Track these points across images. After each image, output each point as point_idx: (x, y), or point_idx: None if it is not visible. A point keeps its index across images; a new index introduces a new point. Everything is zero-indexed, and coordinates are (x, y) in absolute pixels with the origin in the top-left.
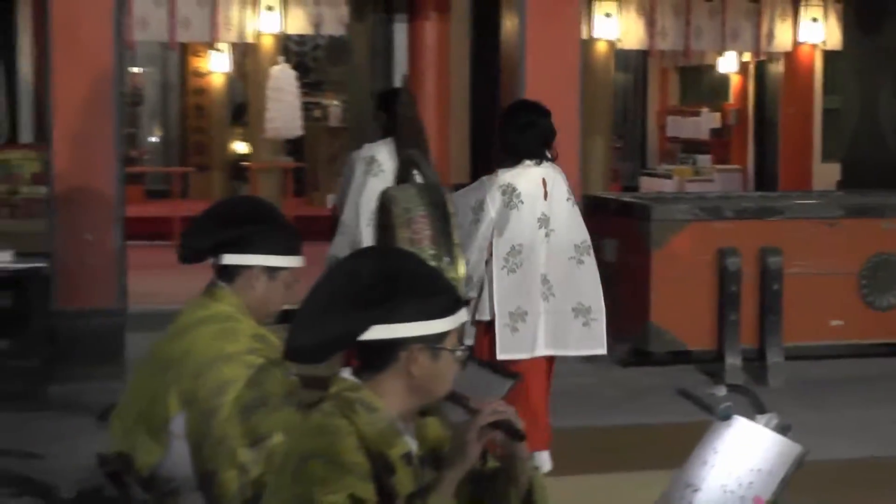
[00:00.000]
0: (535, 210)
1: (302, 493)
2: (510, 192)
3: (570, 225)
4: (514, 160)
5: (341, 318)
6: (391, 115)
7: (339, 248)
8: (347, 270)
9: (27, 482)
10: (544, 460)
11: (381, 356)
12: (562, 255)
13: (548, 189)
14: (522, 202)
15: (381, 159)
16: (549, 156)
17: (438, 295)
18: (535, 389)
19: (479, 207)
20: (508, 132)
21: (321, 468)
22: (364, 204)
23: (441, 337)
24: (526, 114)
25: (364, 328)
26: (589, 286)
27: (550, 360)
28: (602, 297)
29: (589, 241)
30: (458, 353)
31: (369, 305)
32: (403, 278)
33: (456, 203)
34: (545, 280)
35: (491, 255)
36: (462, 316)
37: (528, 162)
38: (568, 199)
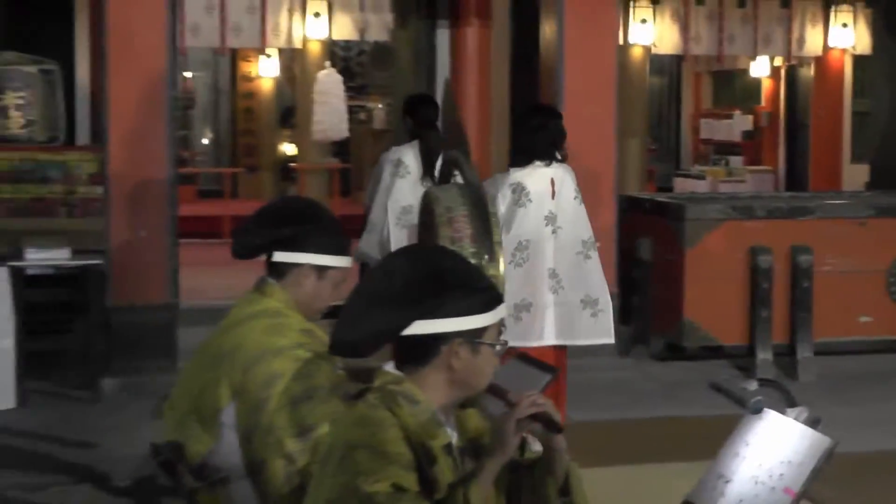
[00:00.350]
0: (543, 208)
1: (346, 482)
2: (519, 191)
3: (577, 222)
4: (525, 160)
5: (385, 313)
6: (417, 119)
7: (368, 245)
8: (391, 268)
9: (84, 470)
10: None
11: (423, 350)
12: (569, 250)
13: (556, 188)
14: (531, 200)
15: (408, 161)
16: (559, 156)
17: (479, 291)
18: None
19: (491, 203)
20: (520, 134)
21: (365, 458)
22: (391, 204)
23: (481, 332)
24: (537, 116)
25: (407, 323)
26: (596, 279)
27: (562, 349)
28: (608, 290)
29: (594, 237)
30: (498, 348)
31: (412, 302)
32: (445, 275)
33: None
34: (554, 274)
35: None
36: (501, 311)
37: (538, 162)
38: (575, 198)
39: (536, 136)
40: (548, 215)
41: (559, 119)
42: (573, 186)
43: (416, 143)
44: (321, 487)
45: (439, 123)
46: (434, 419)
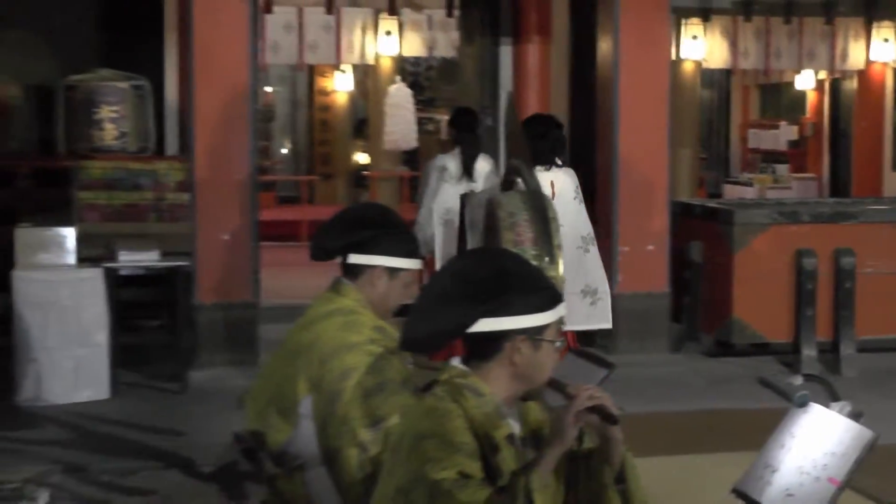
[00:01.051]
0: None
1: (415, 470)
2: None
3: (577, 219)
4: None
5: (452, 312)
6: (457, 127)
7: None
8: (458, 269)
9: (171, 457)
10: None
11: (487, 347)
12: (569, 245)
13: (556, 190)
14: None
15: (451, 167)
16: (559, 162)
17: (540, 291)
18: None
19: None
20: (530, 140)
21: (433, 447)
22: (436, 205)
23: (542, 329)
24: (538, 126)
25: (473, 321)
26: (595, 271)
27: (572, 333)
28: (606, 280)
29: (593, 233)
30: (558, 344)
31: (478, 301)
32: (508, 276)
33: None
34: None
35: None
36: (561, 310)
37: (539, 167)
38: (575, 198)
39: (537, 144)
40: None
41: (559, 129)
42: (573, 188)
43: (458, 152)
44: (392, 474)
45: (500, 135)
46: (498, 411)
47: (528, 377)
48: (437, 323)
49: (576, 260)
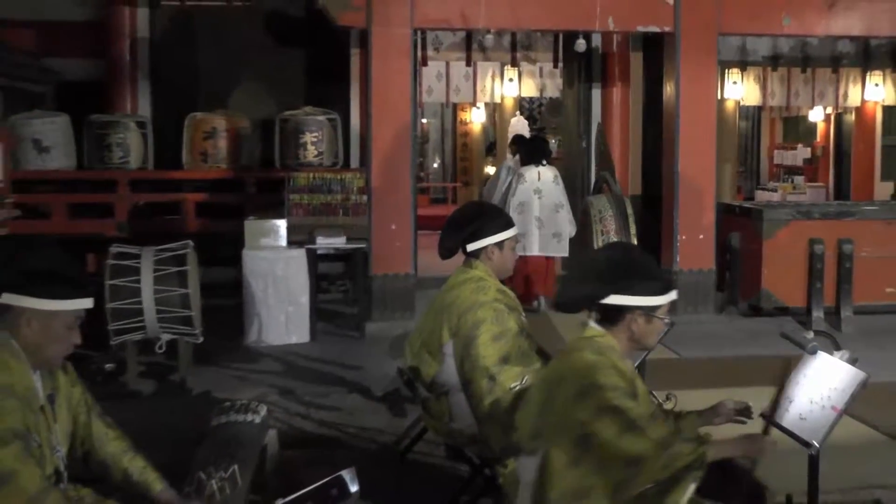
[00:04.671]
0: (533, 185)
1: (596, 406)
2: (521, 176)
3: (554, 193)
4: (526, 163)
5: (591, 287)
6: (518, 147)
7: None
8: (598, 256)
9: (353, 384)
10: (542, 301)
11: (613, 315)
12: (548, 207)
13: (540, 176)
14: (525, 181)
15: (512, 167)
16: (544, 162)
17: (657, 279)
18: (539, 269)
19: (509, 184)
20: (524, 151)
21: (605, 380)
22: (489, 188)
23: (655, 308)
24: (532, 143)
25: (605, 295)
26: (563, 223)
27: (549, 259)
28: (569, 229)
29: (564, 202)
30: (666, 321)
31: (611, 281)
32: (634, 266)
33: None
34: (538, 219)
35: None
36: (672, 296)
37: (532, 164)
38: (554, 181)
39: (531, 153)
40: (535, 189)
41: (545, 143)
42: (552, 176)
43: (517, 159)
44: (557, 408)
45: (591, 153)
46: (623, 359)
47: (641, 342)
48: (580, 293)
49: (551, 216)
